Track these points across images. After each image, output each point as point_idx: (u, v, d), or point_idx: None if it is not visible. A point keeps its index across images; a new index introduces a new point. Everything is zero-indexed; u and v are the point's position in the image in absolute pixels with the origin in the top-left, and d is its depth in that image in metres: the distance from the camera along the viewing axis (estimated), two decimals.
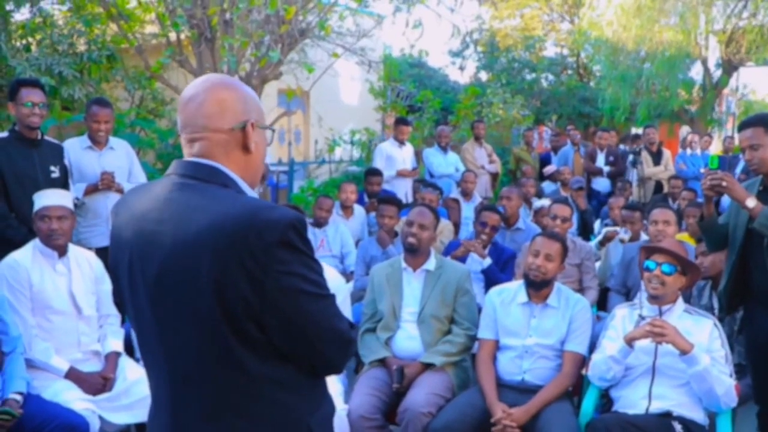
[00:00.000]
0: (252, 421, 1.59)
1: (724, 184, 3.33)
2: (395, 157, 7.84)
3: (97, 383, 3.59)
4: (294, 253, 1.51)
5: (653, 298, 3.47)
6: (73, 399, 3.40)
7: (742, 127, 3.53)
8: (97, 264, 3.92)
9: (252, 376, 1.56)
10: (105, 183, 4.81)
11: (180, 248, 1.52)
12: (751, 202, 3.30)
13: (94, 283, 3.85)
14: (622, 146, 9.86)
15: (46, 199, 3.72)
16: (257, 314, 1.50)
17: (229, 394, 1.57)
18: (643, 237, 5.53)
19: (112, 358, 3.75)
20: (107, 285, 3.93)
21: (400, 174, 7.71)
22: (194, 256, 1.49)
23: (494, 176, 9.45)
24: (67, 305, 3.68)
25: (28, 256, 3.66)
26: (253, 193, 1.68)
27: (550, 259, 3.71)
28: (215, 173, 1.61)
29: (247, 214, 1.49)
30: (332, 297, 1.62)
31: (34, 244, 3.71)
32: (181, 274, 1.52)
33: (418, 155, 9.04)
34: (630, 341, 3.31)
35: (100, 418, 3.44)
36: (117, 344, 3.83)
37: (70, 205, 3.81)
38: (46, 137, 4.60)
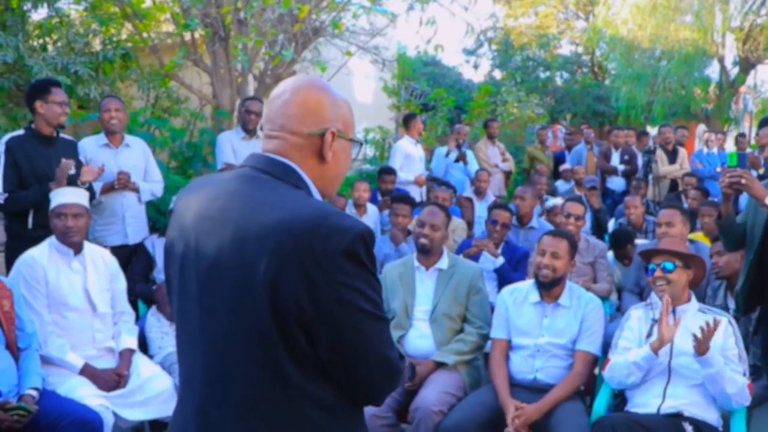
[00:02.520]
0: (278, 431, 1.52)
1: (743, 181, 3.29)
2: (413, 156, 7.82)
3: (111, 380, 3.62)
4: (358, 266, 1.45)
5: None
6: (88, 395, 3.43)
7: (763, 124, 3.52)
8: (112, 261, 3.95)
9: (290, 386, 1.48)
10: (121, 183, 4.84)
11: (241, 241, 1.47)
12: None
13: (109, 281, 3.88)
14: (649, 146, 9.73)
15: (62, 196, 3.76)
16: (308, 323, 1.43)
17: (262, 399, 1.50)
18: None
19: (126, 355, 3.78)
20: (122, 283, 3.96)
21: (418, 182, 7.62)
22: (254, 252, 1.44)
23: (507, 175, 9.41)
24: (82, 302, 3.71)
25: (44, 253, 3.69)
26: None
27: (557, 256, 3.69)
28: (289, 172, 1.56)
29: (316, 217, 1.44)
30: (387, 322, 1.56)
31: (51, 241, 3.74)
32: (237, 267, 1.47)
33: (429, 154, 9.02)
34: (656, 349, 3.28)
35: (114, 414, 3.46)
36: (131, 341, 3.86)
37: (87, 203, 3.85)
38: (62, 134, 4.64)
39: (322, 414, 1.52)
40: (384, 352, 1.53)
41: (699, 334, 3.21)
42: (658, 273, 3.45)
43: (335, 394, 1.53)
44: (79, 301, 3.69)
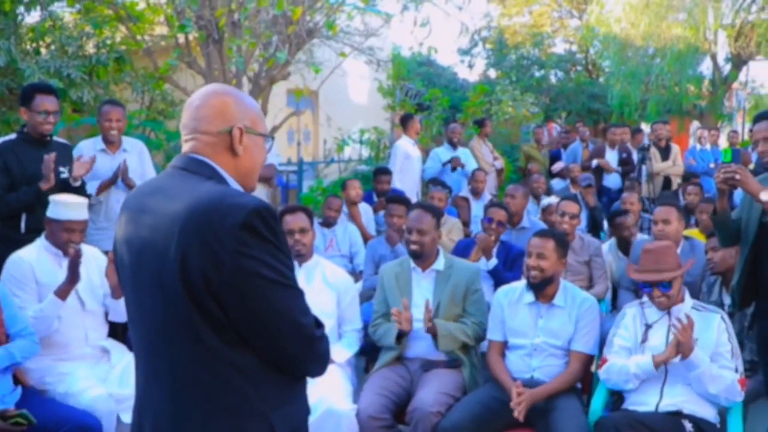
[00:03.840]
0: (208, 399, 1.65)
1: (737, 177, 3.30)
2: (412, 156, 7.82)
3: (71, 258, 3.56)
4: (257, 238, 1.59)
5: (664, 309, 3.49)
6: (87, 387, 3.46)
7: (757, 120, 3.54)
8: (103, 260, 3.92)
9: (212, 355, 1.62)
10: (122, 174, 4.83)
11: (156, 228, 1.66)
12: (765, 196, 3.26)
13: (100, 278, 3.85)
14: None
15: (71, 211, 3.70)
16: (217, 293, 1.58)
17: (189, 369, 1.65)
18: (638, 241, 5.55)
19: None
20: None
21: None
22: (166, 236, 1.62)
23: (499, 173, 9.43)
24: (72, 299, 3.69)
25: (32, 253, 3.70)
26: (239, 188, 1.78)
27: (543, 257, 3.67)
28: (203, 166, 1.75)
29: (216, 197, 1.62)
30: (297, 290, 1.68)
31: (40, 242, 3.75)
32: (154, 251, 1.65)
33: (425, 154, 9.03)
34: (658, 365, 3.29)
35: (117, 418, 3.45)
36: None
37: (87, 216, 3.85)
38: (55, 138, 4.59)
39: (247, 381, 1.66)
40: (294, 317, 1.66)
41: (694, 334, 3.23)
42: (656, 293, 3.45)
43: (259, 362, 1.66)
44: (69, 299, 3.66)
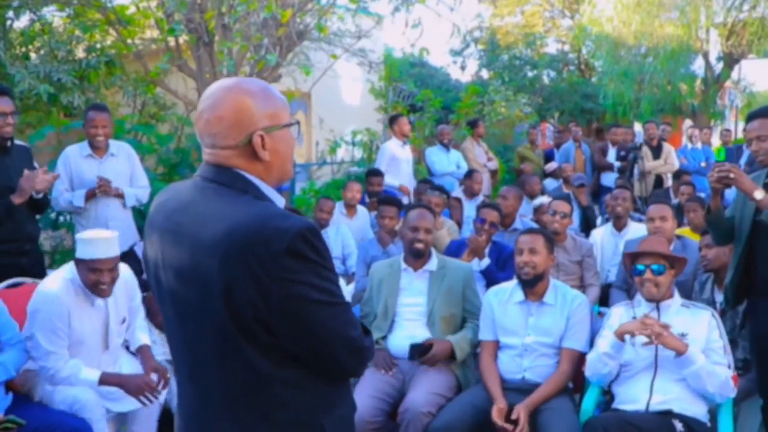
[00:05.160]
0: (264, 418, 1.63)
1: (731, 175, 3.31)
2: (400, 158, 7.81)
3: (140, 383, 3.42)
4: (302, 262, 1.53)
5: (650, 300, 3.48)
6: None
7: (750, 118, 3.56)
8: (130, 277, 3.78)
9: (262, 376, 1.60)
10: (102, 189, 4.79)
11: (195, 253, 1.58)
12: (759, 194, 3.28)
13: (127, 301, 3.72)
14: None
15: (96, 249, 3.40)
16: (265, 319, 1.54)
17: (241, 392, 1.62)
18: (632, 224, 5.62)
19: (144, 351, 3.72)
20: (137, 298, 3.87)
21: (402, 190, 7.61)
22: (207, 262, 1.55)
23: (493, 174, 9.44)
24: (98, 340, 3.56)
25: (69, 294, 3.44)
26: (277, 195, 1.71)
27: (535, 252, 3.70)
28: (236, 178, 1.65)
29: (257, 222, 1.53)
30: (345, 305, 1.64)
31: (72, 280, 3.47)
32: (196, 276, 1.59)
33: (419, 154, 9.02)
34: (621, 335, 3.28)
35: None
36: (145, 338, 3.82)
37: (118, 251, 3.53)
38: (16, 141, 4.41)
39: (299, 394, 1.65)
40: (345, 333, 1.64)
41: (683, 330, 3.24)
42: (648, 275, 3.45)
43: (308, 374, 1.64)
44: (95, 339, 3.53)
